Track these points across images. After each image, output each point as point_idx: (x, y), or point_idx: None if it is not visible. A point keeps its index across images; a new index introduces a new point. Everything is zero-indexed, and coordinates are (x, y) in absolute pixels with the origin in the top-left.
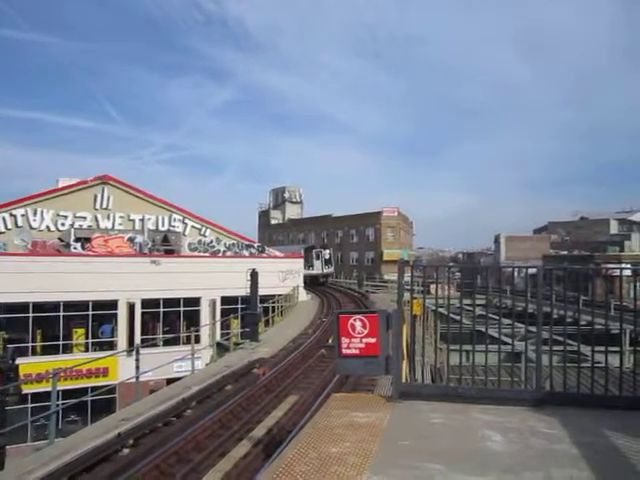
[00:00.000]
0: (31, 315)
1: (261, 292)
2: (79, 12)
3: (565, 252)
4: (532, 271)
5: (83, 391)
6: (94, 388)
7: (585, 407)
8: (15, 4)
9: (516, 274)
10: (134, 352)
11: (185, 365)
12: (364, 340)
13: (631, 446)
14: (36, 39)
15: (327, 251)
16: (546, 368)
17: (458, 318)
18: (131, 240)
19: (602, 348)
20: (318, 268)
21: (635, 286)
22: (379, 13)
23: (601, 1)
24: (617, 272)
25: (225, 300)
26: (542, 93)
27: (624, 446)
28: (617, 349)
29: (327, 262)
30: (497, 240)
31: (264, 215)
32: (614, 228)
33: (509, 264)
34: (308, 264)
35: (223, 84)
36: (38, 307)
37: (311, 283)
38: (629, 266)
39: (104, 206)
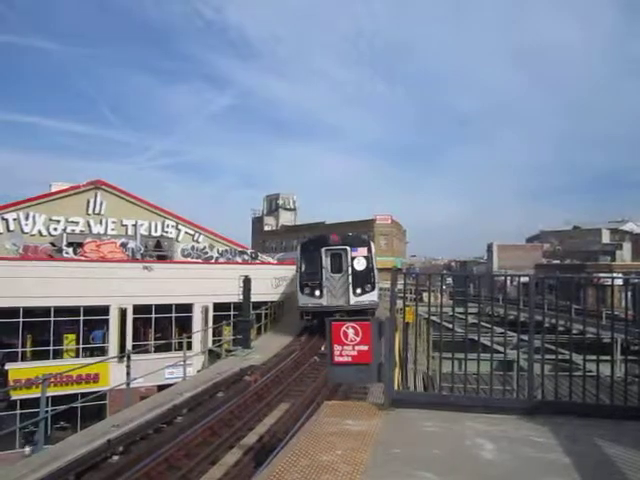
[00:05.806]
0: (21, 320)
1: (254, 299)
2: (78, 17)
3: (557, 261)
4: (524, 280)
5: (73, 397)
6: (84, 394)
7: (577, 416)
8: (14, 8)
9: (508, 283)
10: (125, 358)
11: (177, 372)
12: (356, 348)
13: (622, 455)
14: (35, 44)
15: (362, 250)
16: (538, 377)
17: (451, 326)
18: (123, 245)
19: (594, 357)
20: (339, 293)
21: (626, 295)
22: (377, 22)
23: (599, 13)
24: (609, 281)
25: (217, 306)
26: (538, 102)
27: (615, 455)
28: (609, 358)
29: (361, 279)
30: (490, 249)
31: (258, 221)
32: (606, 237)
33: (501, 273)
34: (307, 285)
35: (221, 90)
36: (28, 312)
37: (321, 323)
38: (621, 275)
39: (97, 211)
